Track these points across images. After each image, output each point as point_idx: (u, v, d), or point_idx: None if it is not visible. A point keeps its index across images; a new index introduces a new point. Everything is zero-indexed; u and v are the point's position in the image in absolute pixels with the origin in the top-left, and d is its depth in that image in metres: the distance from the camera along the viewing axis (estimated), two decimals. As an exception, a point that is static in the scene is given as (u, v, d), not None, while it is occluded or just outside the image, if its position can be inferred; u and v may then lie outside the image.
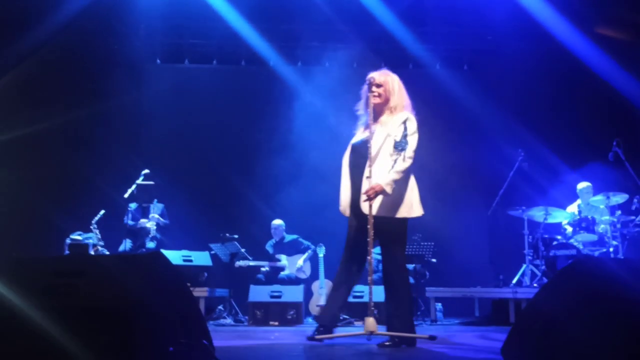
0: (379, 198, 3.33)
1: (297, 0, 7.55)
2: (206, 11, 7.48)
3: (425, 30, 7.94)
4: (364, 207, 3.36)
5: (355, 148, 3.54)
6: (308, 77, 8.10)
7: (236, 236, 6.65)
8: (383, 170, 3.32)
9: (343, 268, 3.61)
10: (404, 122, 3.37)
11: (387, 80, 3.48)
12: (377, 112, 3.47)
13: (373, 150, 3.35)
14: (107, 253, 6.45)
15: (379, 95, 3.44)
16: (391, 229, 3.42)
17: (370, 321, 3.17)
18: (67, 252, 6.36)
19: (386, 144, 3.37)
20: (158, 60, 8.44)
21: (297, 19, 7.61)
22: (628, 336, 1.92)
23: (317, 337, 3.31)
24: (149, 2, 7.47)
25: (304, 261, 6.91)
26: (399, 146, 3.30)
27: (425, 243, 6.38)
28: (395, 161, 3.28)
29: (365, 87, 3.50)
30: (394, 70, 8.32)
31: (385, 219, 3.37)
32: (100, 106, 7.67)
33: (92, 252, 6.31)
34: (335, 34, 7.78)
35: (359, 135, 3.59)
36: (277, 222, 7.16)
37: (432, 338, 3.27)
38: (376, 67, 8.26)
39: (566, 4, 7.24)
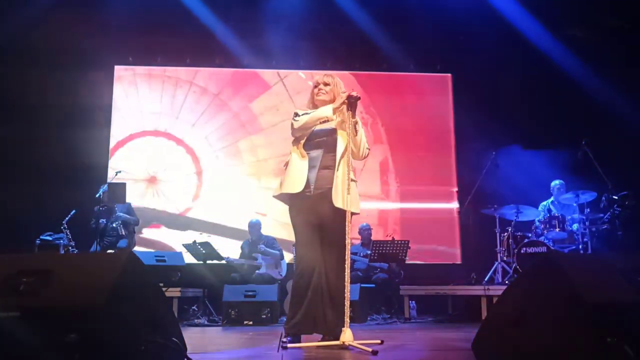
0: (345, 191, 3.41)
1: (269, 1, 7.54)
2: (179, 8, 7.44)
3: (399, 30, 8.00)
4: (341, 202, 3.38)
5: (316, 134, 3.53)
6: (283, 77, 8.11)
7: (209, 236, 6.59)
8: (348, 170, 3.44)
9: (306, 261, 3.47)
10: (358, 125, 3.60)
11: (335, 82, 3.66)
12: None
13: (339, 148, 3.48)
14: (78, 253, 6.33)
15: (327, 93, 3.59)
16: (343, 221, 3.44)
17: (348, 332, 3.16)
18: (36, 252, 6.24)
19: (344, 145, 3.50)
20: (130, 58, 8.35)
21: (272, 18, 7.57)
22: (594, 329, 1.96)
23: (289, 345, 3.27)
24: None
25: (280, 263, 6.91)
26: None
27: (400, 242, 6.42)
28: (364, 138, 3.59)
29: (312, 88, 3.68)
30: (368, 69, 8.47)
31: (344, 212, 3.42)
32: (71, 105, 7.57)
33: (62, 253, 6.20)
34: (309, 33, 7.78)
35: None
36: (255, 220, 7.13)
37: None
38: (350, 67, 8.42)
39: (537, 4, 7.38)
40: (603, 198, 6.39)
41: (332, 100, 3.57)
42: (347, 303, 3.25)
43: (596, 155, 6.37)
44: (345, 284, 3.28)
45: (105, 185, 6.45)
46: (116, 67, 8.33)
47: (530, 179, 7.04)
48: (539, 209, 6.93)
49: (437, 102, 8.65)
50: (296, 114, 3.56)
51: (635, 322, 1.99)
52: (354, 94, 3.45)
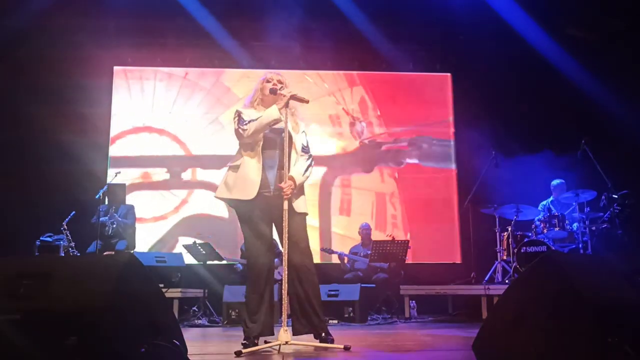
0: (301, 195, 3.51)
1: (268, 1, 7.53)
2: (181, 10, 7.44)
3: (398, 29, 8.00)
4: (297, 205, 3.45)
5: (271, 132, 3.49)
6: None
7: (210, 236, 6.58)
8: (296, 167, 3.47)
9: (263, 262, 3.49)
10: (304, 132, 3.63)
11: (286, 82, 3.65)
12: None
13: (292, 145, 3.50)
14: (78, 254, 6.33)
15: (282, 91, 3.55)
16: (304, 223, 3.54)
17: (289, 333, 3.18)
18: (37, 254, 6.23)
19: (298, 144, 3.54)
20: (129, 59, 8.33)
21: (269, 18, 7.56)
22: (595, 329, 1.96)
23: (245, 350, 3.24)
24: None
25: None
26: (307, 151, 3.57)
27: (400, 242, 6.42)
28: (307, 167, 3.51)
29: (262, 82, 3.62)
30: (367, 69, 8.48)
31: (303, 215, 3.52)
32: (69, 107, 7.56)
33: (62, 254, 6.20)
34: (308, 32, 7.77)
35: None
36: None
37: (347, 348, 3.20)
38: (349, 67, 8.42)
39: (536, 5, 7.38)
40: (603, 197, 6.40)
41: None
42: (284, 303, 3.26)
43: (596, 155, 6.37)
44: (284, 284, 3.31)
45: (105, 186, 6.45)
46: (115, 68, 8.32)
47: (530, 179, 7.04)
48: (539, 208, 6.93)
49: (437, 102, 8.64)
50: (240, 118, 3.45)
51: (636, 322, 1.98)
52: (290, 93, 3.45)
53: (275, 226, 3.51)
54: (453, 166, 8.51)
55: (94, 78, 7.93)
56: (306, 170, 3.49)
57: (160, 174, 8.17)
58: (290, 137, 3.49)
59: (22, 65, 7.49)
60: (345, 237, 8.02)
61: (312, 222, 7.62)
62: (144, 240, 7.68)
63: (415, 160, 8.42)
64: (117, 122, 8.23)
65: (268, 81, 3.59)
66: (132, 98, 8.32)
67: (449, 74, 8.69)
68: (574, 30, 7.46)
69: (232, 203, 3.51)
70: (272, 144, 3.48)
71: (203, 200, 8.07)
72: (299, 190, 3.50)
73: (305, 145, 3.58)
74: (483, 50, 7.65)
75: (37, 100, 7.46)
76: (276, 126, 3.45)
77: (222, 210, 7.89)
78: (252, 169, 3.42)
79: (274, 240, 3.66)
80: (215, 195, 3.56)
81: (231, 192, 3.43)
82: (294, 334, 3.42)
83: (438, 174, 8.48)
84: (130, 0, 7.37)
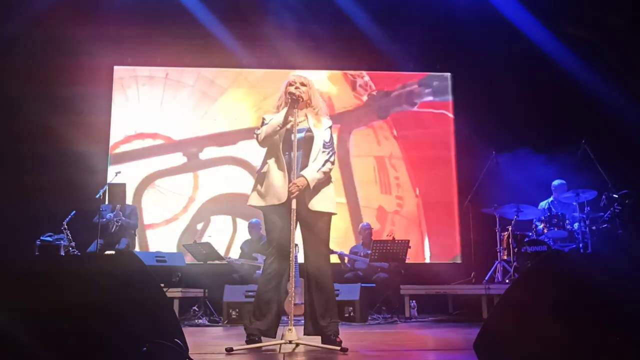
0: (319, 193, 3.48)
1: (269, 0, 7.52)
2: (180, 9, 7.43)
3: (398, 29, 7.99)
4: (313, 204, 3.44)
5: (288, 134, 3.52)
6: (282, 77, 8.10)
7: (210, 236, 6.58)
8: (314, 163, 3.48)
9: (276, 267, 3.49)
10: (330, 128, 3.63)
11: (310, 83, 3.68)
12: (299, 109, 3.57)
13: (315, 147, 3.50)
14: (78, 254, 6.33)
15: (303, 93, 3.58)
16: (327, 223, 3.53)
17: (293, 331, 3.18)
18: (37, 253, 6.23)
19: (319, 140, 3.54)
20: (129, 59, 8.33)
21: (270, 19, 7.56)
22: (597, 328, 1.96)
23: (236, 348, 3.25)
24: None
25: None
26: (328, 147, 3.56)
27: (400, 241, 6.42)
28: (324, 162, 3.50)
29: (286, 85, 3.64)
30: (367, 69, 8.48)
31: (325, 214, 3.51)
32: (70, 105, 7.56)
33: (62, 254, 6.20)
34: (308, 32, 7.77)
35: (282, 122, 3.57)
36: (254, 220, 7.11)
37: (343, 350, 3.19)
38: (349, 66, 8.40)
39: (537, 3, 7.38)
40: (603, 197, 6.39)
41: (308, 102, 3.59)
42: (292, 304, 3.29)
43: (596, 154, 6.37)
44: (290, 284, 3.30)
45: (105, 186, 6.46)
46: (115, 68, 8.31)
47: (530, 178, 7.03)
48: (539, 208, 6.93)
49: (436, 102, 8.64)
50: (262, 123, 3.56)
51: (636, 321, 1.98)
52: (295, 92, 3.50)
53: (300, 226, 3.53)
54: (449, 98, 8.62)
55: (93, 80, 7.91)
56: (323, 165, 3.48)
57: (162, 172, 8.18)
58: (311, 137, 3.51)
59: (21, 63, 7.47)
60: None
61: (339, 199, 7.72)
62: (156, 244, 7.74)
63: (430, 98, 8.62)
64: (118, 122, 8.23)
65: (291, 84, 3.62)
66: (131, 99, 8.31)
67: (449, 74, 8.69)
68: (575, 28, 7.45)
69: (264, 209, 3.55)
70: (291, 145, 3.48)
71: (210, 189, 8.12)
72: (318, 188, 3.47)
73: (327, 140, 3.57)
74: (484, 50, 7.64)
75: (37, 99, 7.45)
76: (298, 127, 3.48)
77: (234, 188, 7.93)
78: (276, 173, 3.47)
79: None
80: (248, 203, 3.58)
81: (265, 199, 3.49)
82: (304, 334, 3.44)
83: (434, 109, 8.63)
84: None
